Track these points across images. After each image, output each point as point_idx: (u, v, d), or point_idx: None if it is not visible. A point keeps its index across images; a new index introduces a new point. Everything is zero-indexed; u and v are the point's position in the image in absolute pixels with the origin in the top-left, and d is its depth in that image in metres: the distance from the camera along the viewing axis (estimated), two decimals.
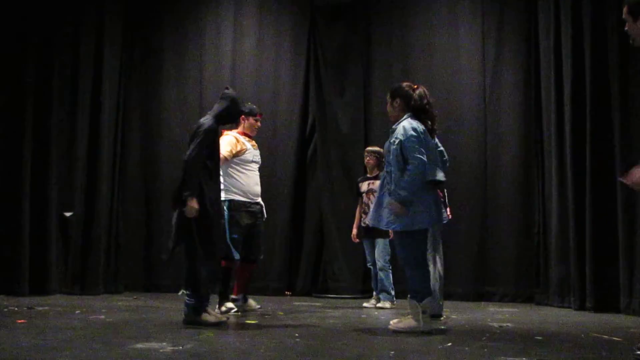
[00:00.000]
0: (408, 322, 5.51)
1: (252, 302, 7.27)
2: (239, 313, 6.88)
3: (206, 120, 5.85)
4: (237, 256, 6.89)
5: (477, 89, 9.56)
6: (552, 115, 8.35)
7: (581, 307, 7.61)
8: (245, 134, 7.25)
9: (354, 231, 8.20)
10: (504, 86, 9.49)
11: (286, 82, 10.18)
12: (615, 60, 7.50)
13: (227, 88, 6.18)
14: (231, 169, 7.00)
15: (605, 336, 5.28)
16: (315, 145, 10.00)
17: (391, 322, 5.65)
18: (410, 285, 5.54)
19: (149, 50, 10.41)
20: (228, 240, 6.83)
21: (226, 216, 6.84)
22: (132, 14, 10.17)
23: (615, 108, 7.46)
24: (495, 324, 6.10)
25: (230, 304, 6.94)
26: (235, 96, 6.10)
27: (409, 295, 5.56)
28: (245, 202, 7.02)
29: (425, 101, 5.68)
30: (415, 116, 5.63)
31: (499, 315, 7.14)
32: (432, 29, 9.86)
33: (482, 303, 8.83)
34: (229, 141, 7.01)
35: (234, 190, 6.98)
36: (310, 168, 10.03)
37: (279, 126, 10.04)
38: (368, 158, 8.23)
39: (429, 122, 5.66)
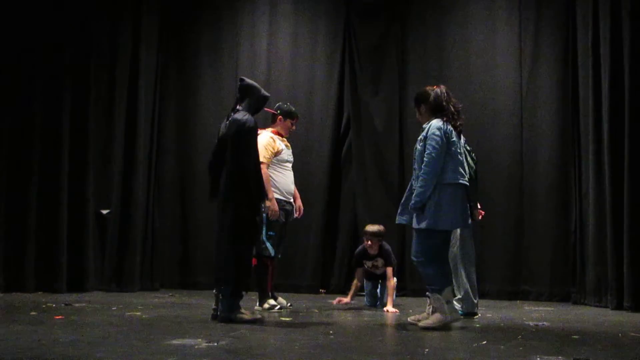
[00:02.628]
0: (435, 317, 5.54)
1: (282, 299, 7.28)
2: (282, 310, 6.90)
3: (245, 117, 5.83)
4: (273, 253, 6.94)
5: (514, 86, 9.48)
6: (589, 112, 8.24)
7: (618, 307, 7.51)
8: (278, 134, 7.27)
9: (349, 299, 7.52)
10: (540, 83, 9.39)
11: (321, 80, 10.18)
12: None
13: (242, 80, 6.14)
14: (268, 169, 7.02)
15: None
16: (349, 143, 9.98)
17: (419, 322, 5.66)
18: (427, 281, 5.61)
19: (185, 49, 10.48)
20: (264, 237, 6.88)
21: (265, 215, 6.90)
22: (168, 14, 10.26)
23: None
24: (531, 323, 6.05)
25: (272, 301, 6.96)
26: (254, 85, 6.09)
27: (427, 292, 5.59)
28: (281, 200, 7.04)
29: (440, 100, 5.68)
30: (447, 118, 5.65)
31: (535, 313, 7.08)
32: (468, 27, 9.78)
33: (518, 301, 8.77)
34: (266, 144, 7.00)
35: (271, 188, 7.00)
36: (344, 166, 10.02)
37: (313, 124, 10.04)
38: (370, 242, 7.48)
39: (451, 121, 5.65)
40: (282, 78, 10.25)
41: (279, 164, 7.12)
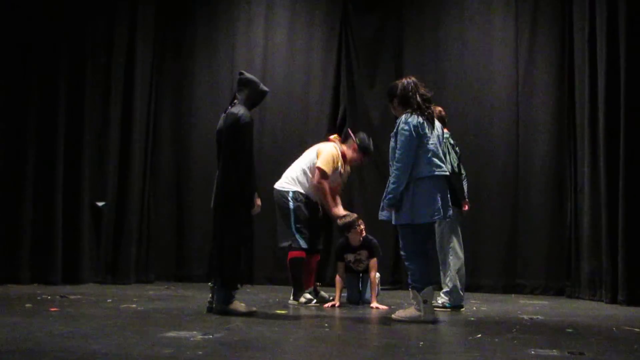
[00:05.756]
0: (410, 311, 5.59)
1: (323, 294, 7.24)
2: (318, 305, 6.87)
3: (240, 111, 5.81)
4: (305, 245, 6.94)
5: (510, 80, 9.48)
6: (585, 106, 8.25)
7: (613, 301, 7.52)
8: (343, 155, 7.28)
9: (337, 302, 6.81)
10: (537, 77, 9.39)
11: (318, 73, 10.16)
12: None
13: (241, 73, 6.11)
14: (309, 172, 7.11)
15: (637, 329, 5.23)
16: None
17: (394, 313, 5.71)
18: (410, 276, 5.62)
19: (181, 40, 10.44)
20: (293, 230, 6.89)
21: (291, 206, 6.94)
22: (164, 6, 10.22)
23: None
24: (526, 316, 6.07)
25: (308, 295, 6.93)
26: (254, 79, 6.06)
27: (409, 287, 5.61)
28: (306, 194, 7.11)
29: (406, 92, 5.66)
30: (414, 110, 5.63)
31: (530, 307, 7.10)
32: (465, 20, 9.77)
33: (513, 295, 8.78)
34: (334, 156, 7.09)
35: (300, 186, 7.09)
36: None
37: (310, 117, 10.03)
38: (357, 227, 6.95)
39: (420, 112, 5.61)
40: (278, 69, 10.23)
41: None
